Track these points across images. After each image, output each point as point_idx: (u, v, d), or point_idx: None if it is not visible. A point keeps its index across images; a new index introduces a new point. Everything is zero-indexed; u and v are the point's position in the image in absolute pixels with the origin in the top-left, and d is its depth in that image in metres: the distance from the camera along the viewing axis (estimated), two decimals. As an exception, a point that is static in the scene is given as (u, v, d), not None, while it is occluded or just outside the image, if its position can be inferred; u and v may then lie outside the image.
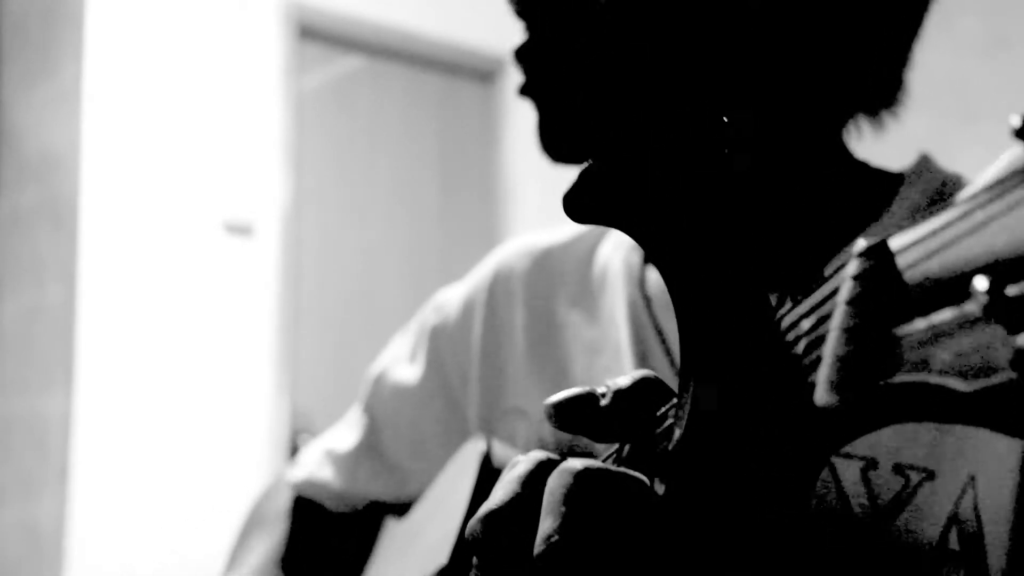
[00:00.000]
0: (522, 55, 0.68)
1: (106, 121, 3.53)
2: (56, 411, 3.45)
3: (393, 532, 0.88)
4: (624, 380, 0.44)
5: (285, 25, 3.95)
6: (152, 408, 3.53)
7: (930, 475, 0.54)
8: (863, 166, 0.68)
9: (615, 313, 0.73)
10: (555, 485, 0.38)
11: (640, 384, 0.44)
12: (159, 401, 3.54)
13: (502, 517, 0.40)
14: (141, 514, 3.47)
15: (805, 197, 0.65)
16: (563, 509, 0.37)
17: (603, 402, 0.44)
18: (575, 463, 0.38)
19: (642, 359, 0.69)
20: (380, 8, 4.18)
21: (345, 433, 0.92)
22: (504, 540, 0.40)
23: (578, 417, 0.44)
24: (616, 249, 0.77)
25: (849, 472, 0.56)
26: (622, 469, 0.39)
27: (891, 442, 0.55)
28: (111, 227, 3.51)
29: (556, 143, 0.68)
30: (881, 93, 0.67)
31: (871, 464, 0.55)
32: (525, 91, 0.69)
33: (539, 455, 0.42)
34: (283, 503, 0.94)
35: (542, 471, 0.41)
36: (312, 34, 4.05)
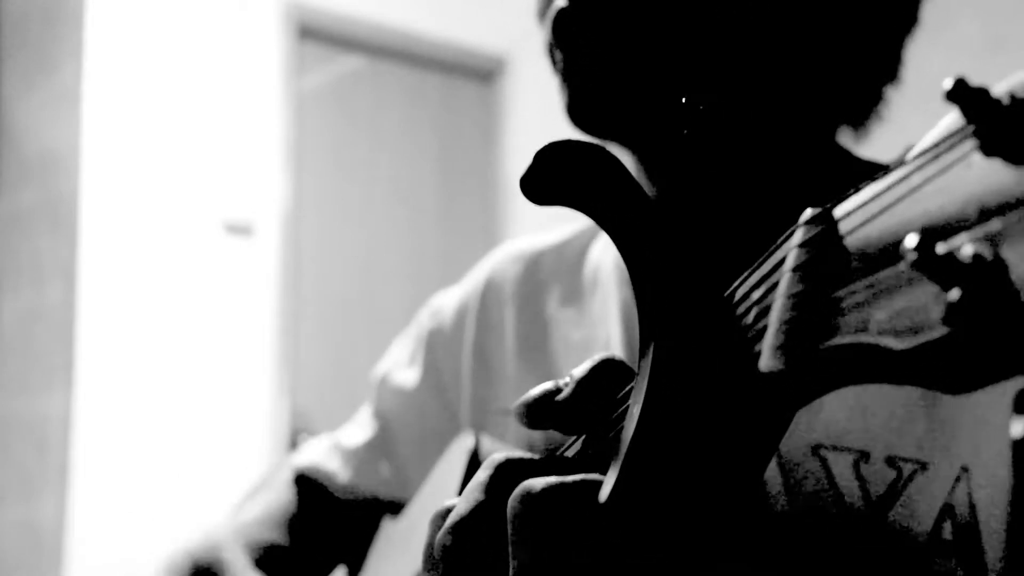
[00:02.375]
0: (561, 21, 0.65)
1: (106, 121, 3.54)
2: (56, 411, 3.46)
3: (389, 532, 0.88)
4: (582, 368, 0.44)
5: (285, 25, 3.95)
6: (152, 408, 3.53)
7: (922, 467, 0.54)
8: (851, 157, 0.69)
9: (607, 313, 0.74)
10: (517, 511, 0.38)
11: (600, 368, 0.44)
12: (159, 401, 3.55)
13: (468, 526, 0.40)
14: (141, 514, 3.47)
15: (790, 185, 0.66)
16: (529, 538, 0.37)
17: (563, 394, 0.44)
18: (535, 484, 0.38)
19: (633, 356, 0.69)
20: (380, 8, 4.19)
21: (355, 431, 0.93)
22: (473, 548, 0.40)
23: (544, 413, 0.44)
24: (607, 250, 0.77)
25: (841, 465, 0.56)
26: (580, 477, 0.38)
27: (883, 435, 0.55)
28: (111, 227, 3.52)
29: (585, 112, 0.66)
30: (863, 102, 0.68)
31: (863, 456, 0.55)
32: (567, 56, 0.66)
33: (498, 458, 0.42)
34: (286, 475, 0.95)
35: (502, 474, 0.41)
36: (312, 34, 4.06)
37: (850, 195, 0.29)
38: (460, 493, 0.69)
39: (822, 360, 0.27)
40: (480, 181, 4.51)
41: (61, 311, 3.50)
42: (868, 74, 0.67)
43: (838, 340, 0.27)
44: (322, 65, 4.15)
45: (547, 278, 0.81)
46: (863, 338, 0.26)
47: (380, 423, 0.91)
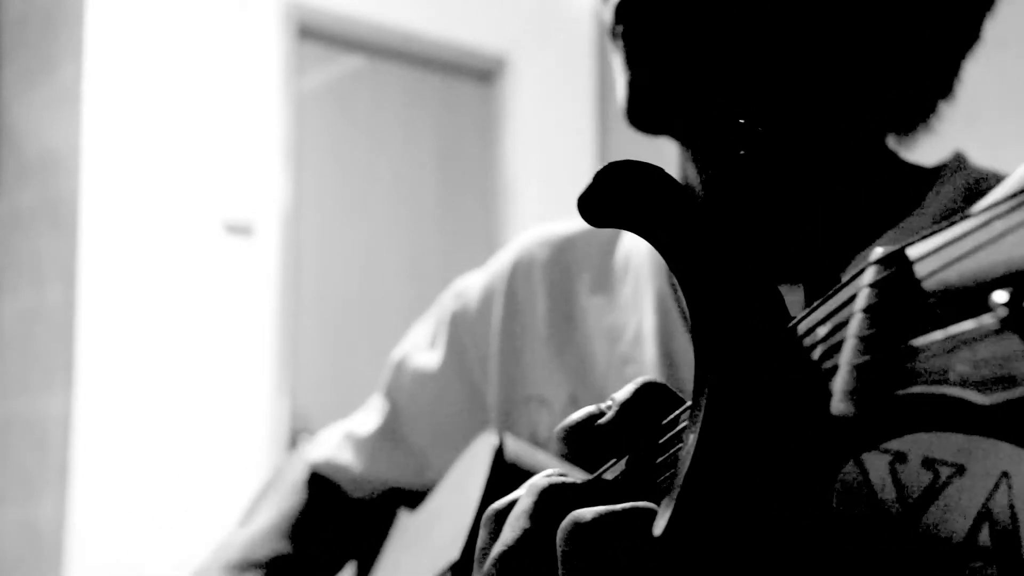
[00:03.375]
0: (624, 10, 0.64)
1: (106, 121, 3.53)
2: (56, 411, 3.45)
3: (405, 525, 0.88)
4: (625, 392, 0.43)
5: (285, 25, 3.94)
6: (152, 408, 3.53)
7: (960, 470, 0.54)
8: (898, 161, 0.69)
9: (640, 301, 0.73)
10: (568, 542, 0.37)
11: (643, 391, 0.43)
12: (159, 401, 3.54)
13: (516, 556, 0.40)
14: (141, 514, 3.47)
15: (839, 190, 0.65)
16: (581, 569, 0.36)
17: (605, 418, 0.43)
18: (584, 514, 0.37)
19: (666, 345, 0.70)
20: (380, 8, 4.18)
21: (366, 418, 0.93)
22: None
23: (586, 437, 0.43)
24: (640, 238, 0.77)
25: (877, 466, 0.55)
26: (630, 505, 0.37)
27: (921, 436, 0.55)
28: (111, 227, 3.51)
29: (643, 104, 0.65)
30: (917, 114, 0.68)
31: (900, 458, 0.55)
32: (629, 45, 0.64)
33: (540, 483, 0.41)
34: (299, 475, 0.94)
35: (546, 500, 0.40)
36: (312, 34, 4.05)
37: (923, 237, 0.28)
38: (486, 491, 0.69)
39: (897, 408, 0.27)
40: (480, 181, 4.51)
41: (61, 311, 3.49)
42: (925, 89, 0.67)
43: (916, 389, 0.26)
44: (322, 65, 4.14)
45: (577, 264, 0.80)
46: (943, 389, 0.25)
47: (392, 407, 0.90)
